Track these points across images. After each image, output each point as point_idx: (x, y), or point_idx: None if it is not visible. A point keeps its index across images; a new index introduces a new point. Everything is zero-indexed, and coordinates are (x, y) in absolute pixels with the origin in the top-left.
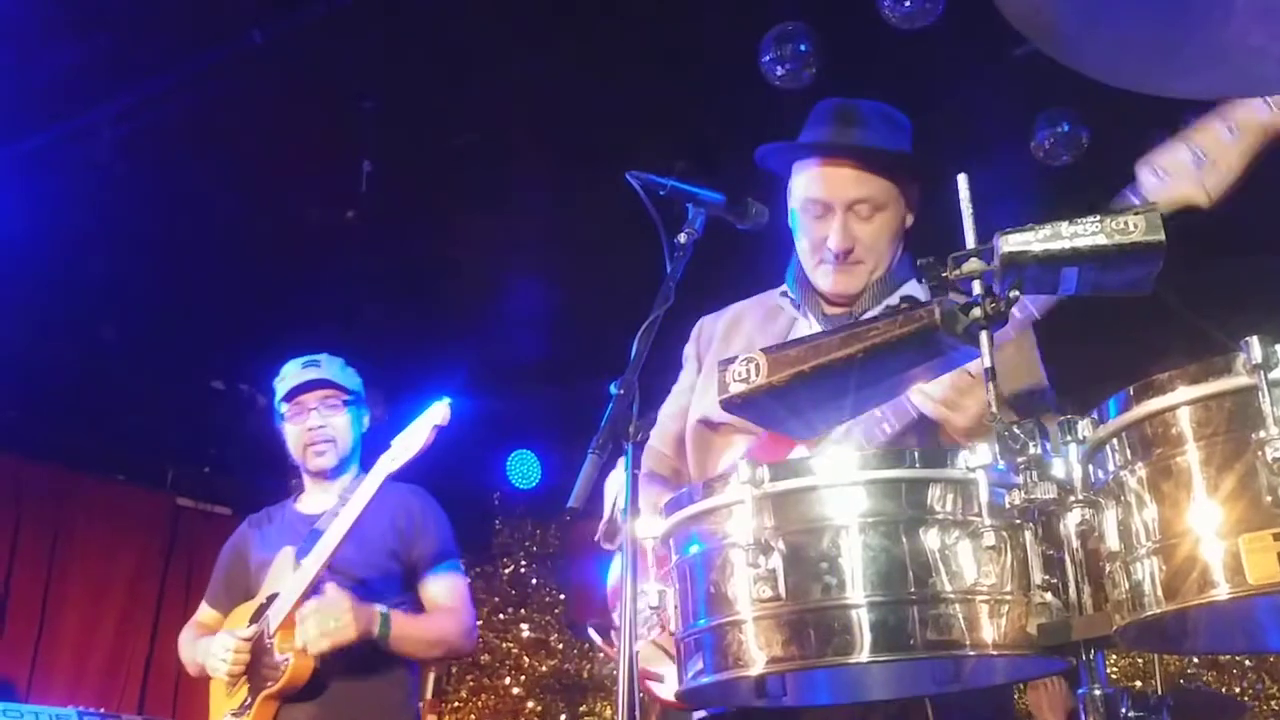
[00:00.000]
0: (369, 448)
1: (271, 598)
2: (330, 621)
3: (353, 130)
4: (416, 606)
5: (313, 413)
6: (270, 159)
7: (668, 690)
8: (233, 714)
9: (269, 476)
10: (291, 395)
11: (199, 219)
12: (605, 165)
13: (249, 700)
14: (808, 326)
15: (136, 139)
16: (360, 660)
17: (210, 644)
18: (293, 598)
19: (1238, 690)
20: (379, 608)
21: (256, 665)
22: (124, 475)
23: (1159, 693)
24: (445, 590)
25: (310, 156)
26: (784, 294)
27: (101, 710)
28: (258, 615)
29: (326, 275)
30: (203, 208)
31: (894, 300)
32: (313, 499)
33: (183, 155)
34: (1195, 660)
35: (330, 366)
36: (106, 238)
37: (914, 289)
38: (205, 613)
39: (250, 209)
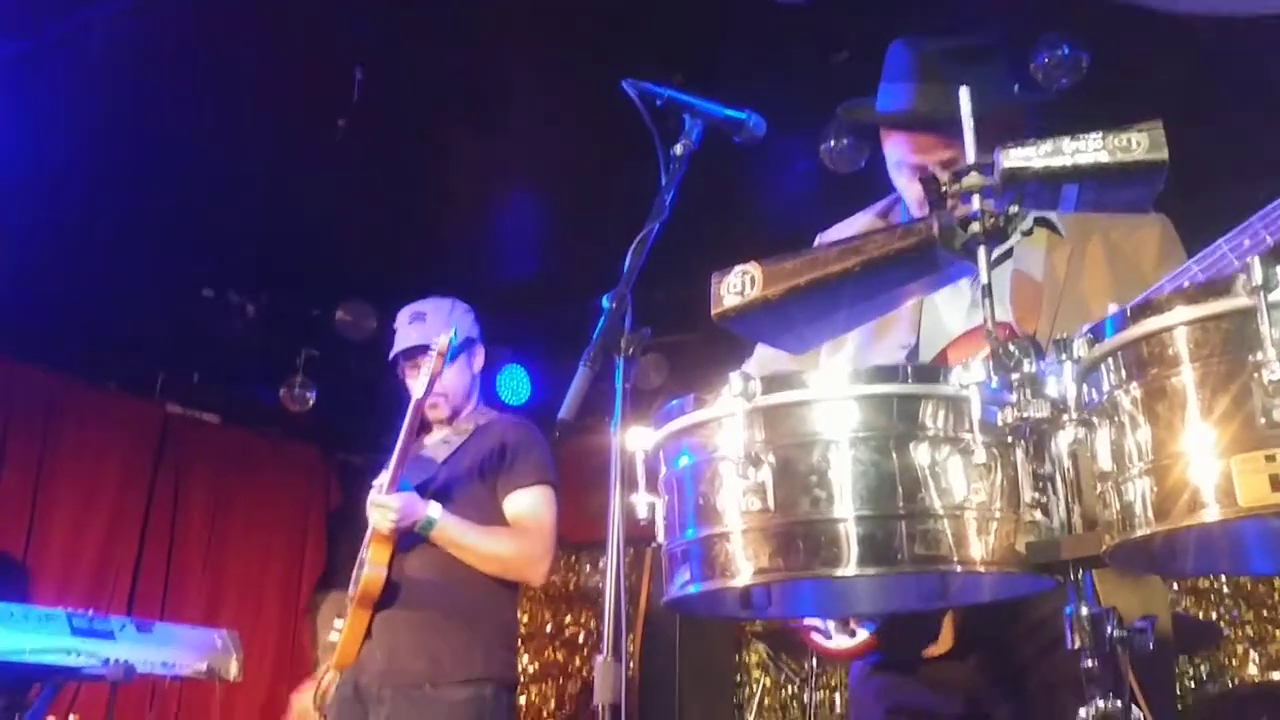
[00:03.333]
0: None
1: None
2: (376, 509)
3: (345, 39)
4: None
5: (421, 370)
6: (262, 64)
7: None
8: (340, 619)
9: (257, 385)
10: (402, 357)
11: (189, 124)
12: (600, 75)
13: (348, 607)
14: None
15: (126, 43)
16: (447, 575)
17: None
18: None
19: (1214, 616)
20: (432, 508)
21: (355, 576)
22: (113, 382)
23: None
24: (523, 510)
25: (302, 62)
26: (899, 208)
27: (90, 611)
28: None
29: (317, 184)
30: (193, 113)
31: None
32: (435, 433)
33: (174, 60)
34: (1175, 586)
35: (435, 319)
36: (96, 144)
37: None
38: None
39: (241, 116)
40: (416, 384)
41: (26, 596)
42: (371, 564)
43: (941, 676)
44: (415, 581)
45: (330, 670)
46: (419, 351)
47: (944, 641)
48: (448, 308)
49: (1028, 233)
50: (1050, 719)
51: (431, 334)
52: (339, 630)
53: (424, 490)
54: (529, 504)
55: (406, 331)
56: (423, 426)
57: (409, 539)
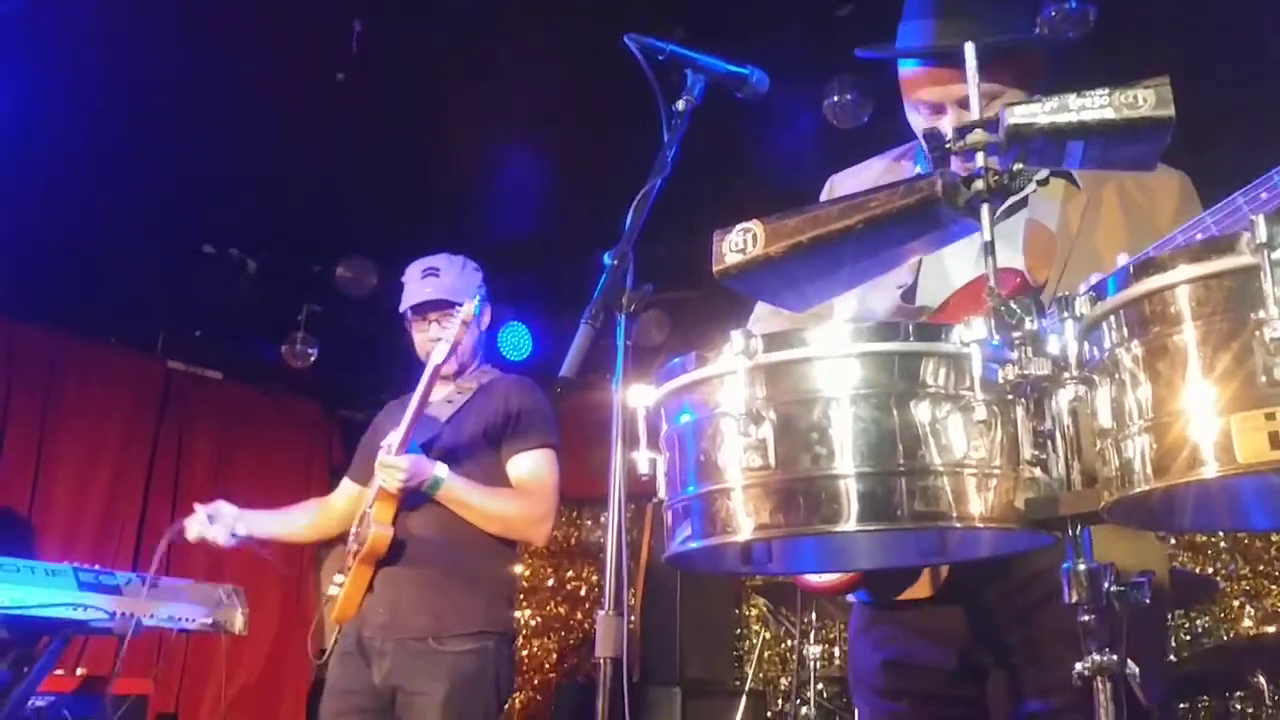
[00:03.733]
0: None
1: None
2: (385, 469)
3: None
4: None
5: (432, 325)
6: (261, 17)
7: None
8: (340, 574)
9: (259, 341)
10: (414, 310)
11: (188, 80)
12: (602, 29)
13: (350, 563)
14: None
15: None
16: (451, 533)
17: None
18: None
19: (1211, 570)
20: (439, 468)
21: (359, 532)
22: (115, 339)
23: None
24: (526, 473)
25: (301, 16)
26: (914, 158)
27: (96, 566)
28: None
29: (317, 138)
30: (192, 68)
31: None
32: (437, 390)
33: (172, 16)
34: (1173, 541)
35: (448, 275)
36: (96, 100)
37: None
38: (343, 484)
39: (240, 70)
40: (437, 348)
41: (32, 552)
42: (378, 522)
43: (936, 629)
44: (418, 539)
45: (331, 623)
46: (431, 307)
47: (922, 586)
48: (460, 265)
49: (1044, 183)
50: (1041, 673)
51: (444, 290)
52: (339, 585)
53: (429, 449)
54: (532, 467)
55: (419, 286)
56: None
57: (413, 497)
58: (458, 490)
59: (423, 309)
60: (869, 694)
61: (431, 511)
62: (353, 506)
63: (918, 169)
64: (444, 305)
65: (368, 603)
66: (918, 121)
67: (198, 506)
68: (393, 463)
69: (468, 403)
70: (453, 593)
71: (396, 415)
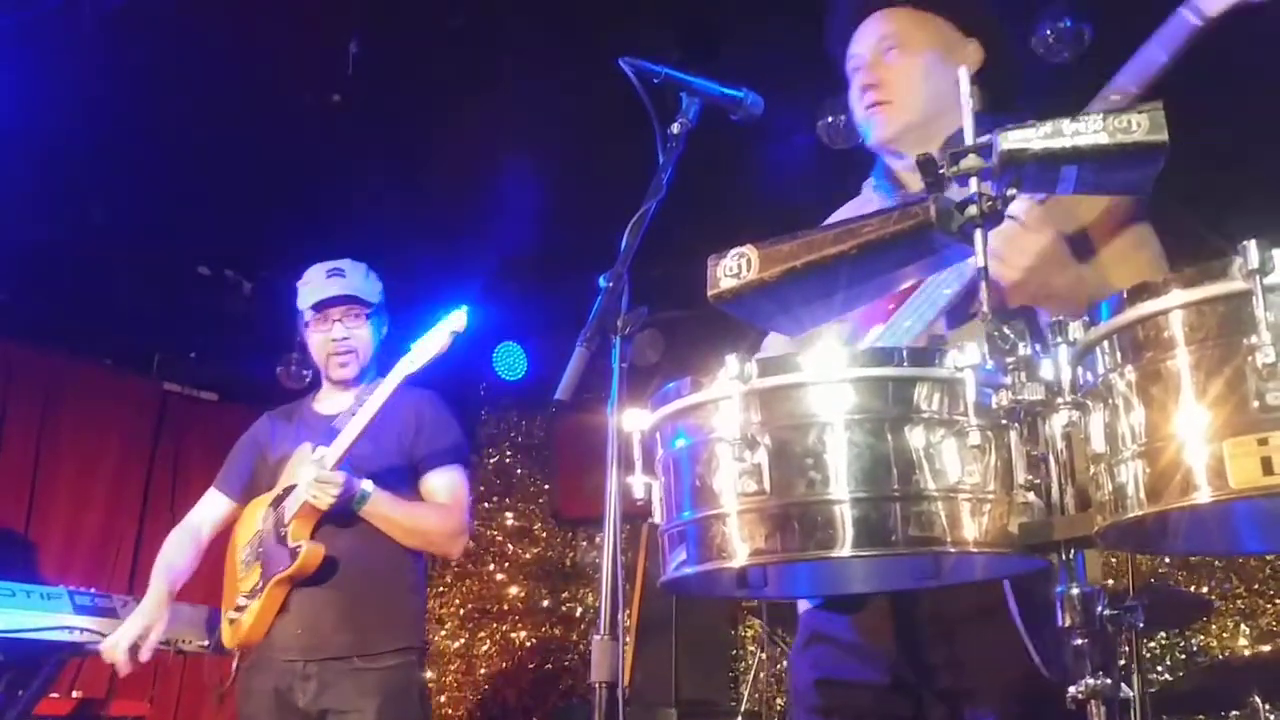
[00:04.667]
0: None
1: (289, 489)
2: (320, 485)
3: (340, 10)
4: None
5: (336, 325)
6: (257, 41)
7: None
8: (245, 596)
9: (254, 362)
10: (318, 307)
11: (185, 101)
12: (598, 52)
13: (260, 584)
14: None
15: (121, 17)
16: (369, 549)
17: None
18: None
19: (1206, 589)
20: (365, 483)
21: (270, 552)
22: (111, 361)
23: (1130, 591)
24: (441, 487)
25: (297, 37)
26: (869, 184)
27: (93, 590)
28: (275, 505)
29: (312, 160)
30: (189, 90)
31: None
32: (331, 400)
33: (169, 35)
34: (1167, 560)
35: (354, 277)
36: (93, 122)
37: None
38: (216, 500)
39: (236, 92)
40: (415, 354)
41: (28, 574)
42: (307, 540)
43: (867, 645)
44: (336, 554)
45: (232, 647)
46: (339, 301)
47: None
48: (364, 269)
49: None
50: (976, 687)
51: (352, 288)
52: (242, 608)
53: (349, 464)
54: (447, 481)
55: (324, 284)
56: (313, 386)
57: (333, 514)
58: (383, 505)
59: (328, 304)
60: (803, 713)
61: (348, 527)
62: (226, 523)
63: (871, 180)
64: (351, 301)
65: (280, 625)
66: (855, 92)
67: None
68: (329, 478)
69: (378, 416)
70: (374, 609)
71: (291, 429)
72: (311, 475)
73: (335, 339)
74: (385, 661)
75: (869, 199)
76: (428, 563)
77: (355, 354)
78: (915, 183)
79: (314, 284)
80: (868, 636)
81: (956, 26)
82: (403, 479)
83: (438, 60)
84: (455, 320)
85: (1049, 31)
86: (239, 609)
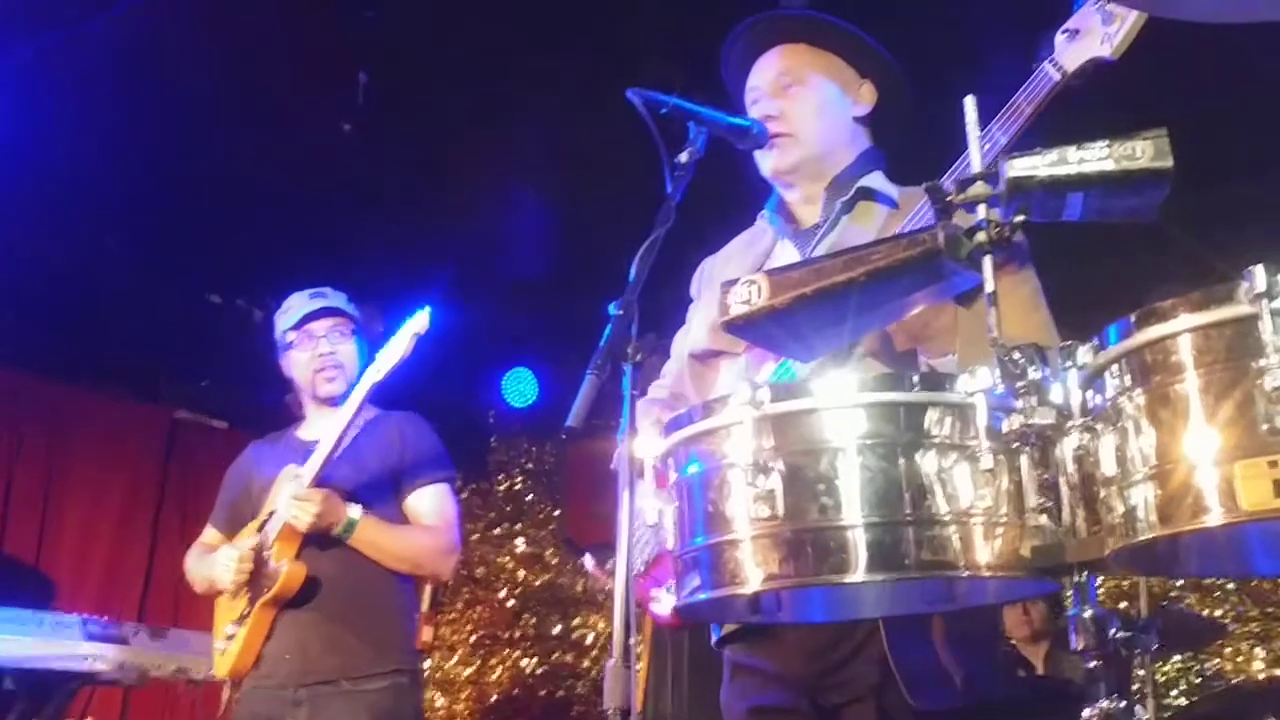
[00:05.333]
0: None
1: (272, 514)
2: (298, 504)
3: (350, 41)
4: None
5: (322, 340)
6: (267, 70)
7: (665, 608)
8: (233, 624)
9: (265, 391)
10: (301, 323)
11: (196, 130)
12: (607, 81)
13: (247, 610)
14: (783, 247)
15: (133, 48)
16: (355, 571)
17: (215, 558)
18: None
19: (1219, 613)
20: (352, 509)
21: (256, 577)
22: (121, 389)
23: (1143, 614)
24: (426, 505)
25: (307, 68)
26: (763, 216)
27: (104, 617)
28: (260, 530)
29: (323, 188)
30: (200, 119)
31: (848, 193)
32: (314, 425)
33: (180, 65)
34: (1180, 584)
35: (336, 298)
36: (103, 151)
37: (876, 180)
38: (209, 534)
39: (247, 121)
40: (373, 367)
41: (39, 602)
42: (289, 560)
43: (784, 671)
44: (322, 578)
45: (223, 676)
46: (323, 314)
47: None
48: (344, 296)
49: (848, 207)
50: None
51: (336, 304)
52: (230, 636)
53: (324, 483)
54: (434, 501)
55: (309, 302)
56: (287, 419)
57: (318, 535)
58: (371, 531)
59: (313, 317)
60: None
61: (335, 549)
62: None
63: (765, 212)
64: (336, 314)
65: (269, 651)
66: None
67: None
68: (307, 496)
69: (358, 438)
70: (362, 631)
71: (273, 455)
72: (289, 493)
73: (321, 354)
74: (374, 684)
75: (763, 229)
76: (418, 583)
77: (342, 369)
78: (809, 216)
79: (295, 305)
80: (781, 664)
81: (852, 66)
82: (387, 499)
83: (447, 90)
84: (417, 322)
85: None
86: (228, 637)
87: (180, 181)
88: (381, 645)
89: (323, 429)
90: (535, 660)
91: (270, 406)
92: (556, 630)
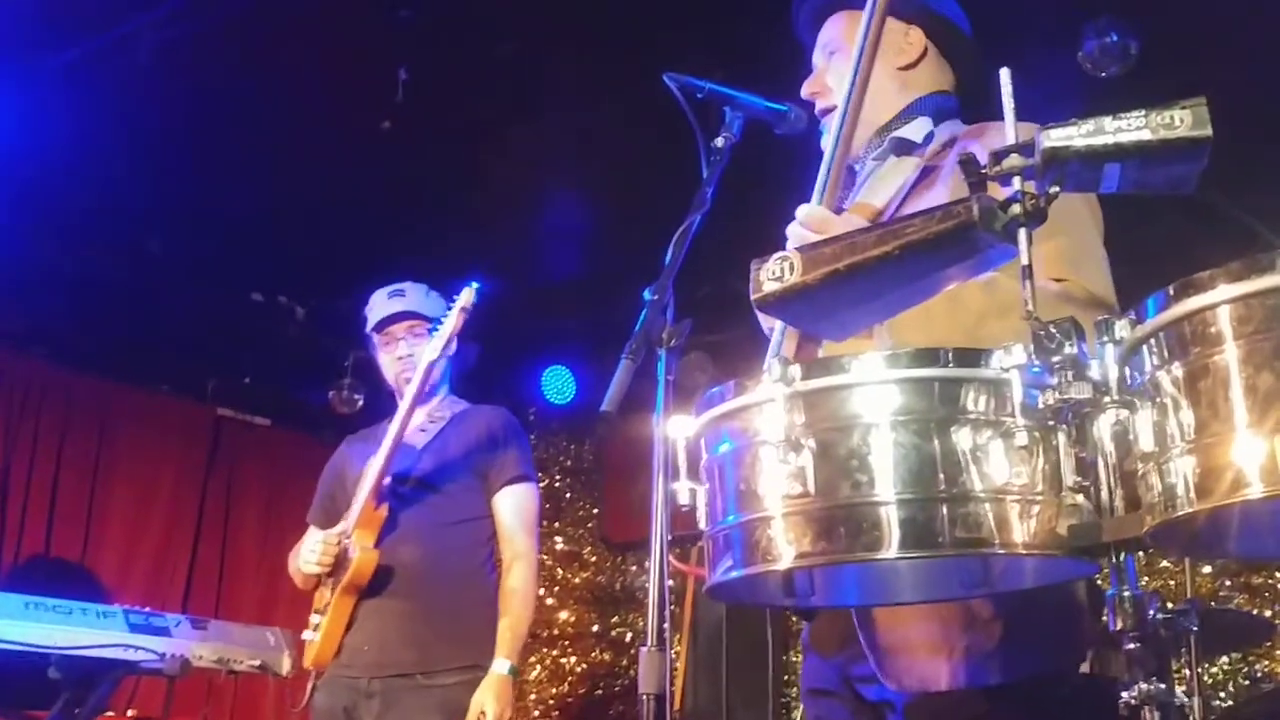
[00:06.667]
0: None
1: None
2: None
3: (389, 39)
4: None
5: (400, 342)
6: (309, 66)
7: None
8: (317, 613)
9: (307, 388)
10: (380, 326)
11: (237, 130)
12: (640, 75)
13: (329, 599)
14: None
15: (175, 50)
16: (438, 562)
17: (301, 544)
18: (363, 497)
19: (1270, 613)
20: (500, 667)
21: (339, 565)
22: (166, 386)
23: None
24: (513, 507)
25: (348, 64)
26: None
27: (147, 609)
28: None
29: (363, 186)
30: (241, 119)
31: (880, 147)
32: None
33: (221, 66)
34: (1227, 583)
35: (414, 295)
36: (147, 151)
37: (913, 130)
38: (309, 531)
39: (288, 119)
40: (427, 346)
41: (85, 595)
42: (365, 548)
43: (828, 661)
44: (404, 568)
45: (308, 667)
46: (401, 318)
47: None
48: (425, 289)
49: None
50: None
51: (412, 305)
52: (315, 626)
53: (406, 477)
54: (517, 503)
55: (386, 305)
56: (383, 412)
57: (396, 523)
58: (512, 646)
59: (391, 321)
60: None
61: (417, 539)
62: None
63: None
64: (413, 317)
65: (349, 641)
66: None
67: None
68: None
69: (444, 430)
70: (440, 625)
71: (364, 449)
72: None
73: (400, 356)
74: (448, 679)
75: None
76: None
77: (427, 374)
78: None
79: (376, 306)
80: (824, 648)
81: (897, 17)
82: (469, 491)
83: (483, 85)
84: (465, 298)
85: (1095, 47)
86: (314, 627)
87: (222, 180)
88: (459, 639)
89: (411, 421)
90: (574, 659)
91: (313, 403)
92: (595, 628)
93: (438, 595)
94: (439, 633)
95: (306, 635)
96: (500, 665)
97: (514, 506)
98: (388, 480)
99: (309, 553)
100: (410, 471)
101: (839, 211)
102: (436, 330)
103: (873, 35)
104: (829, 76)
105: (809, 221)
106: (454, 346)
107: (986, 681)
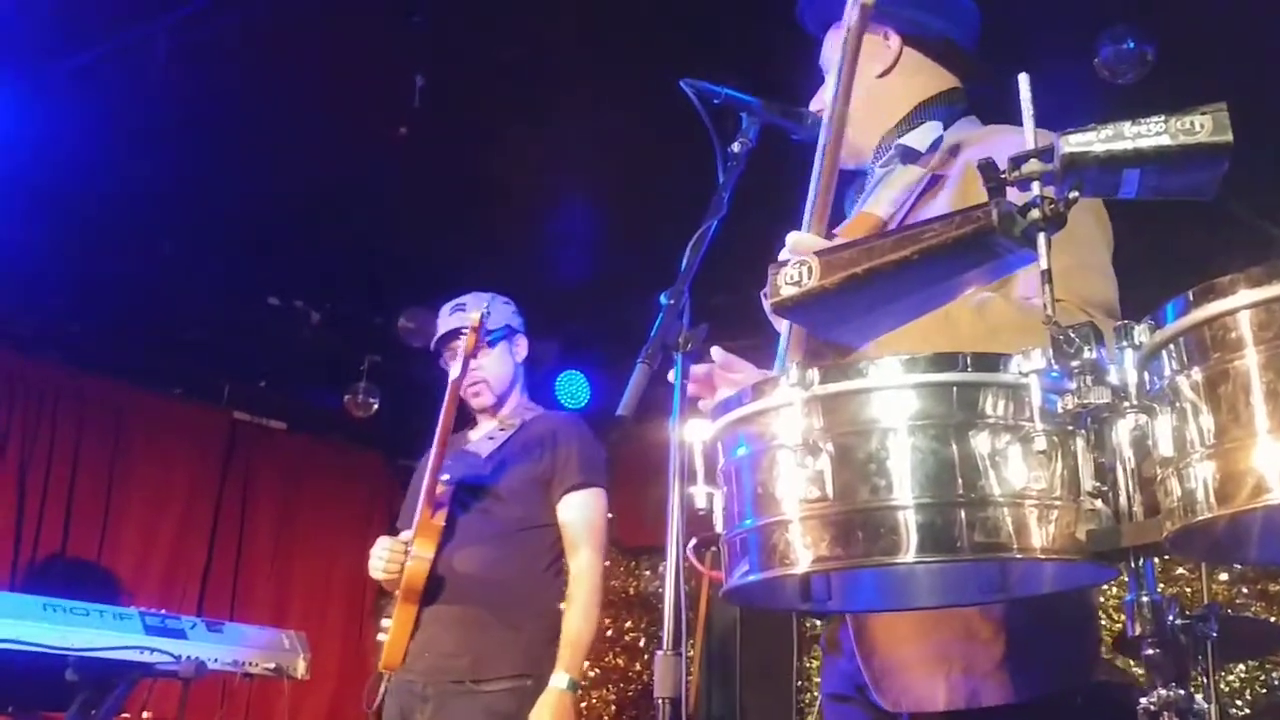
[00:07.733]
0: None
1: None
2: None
3: (404, 45)
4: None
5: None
6: (326, 72)
7: None
8: (387, 617)
9: (322, 392)
10: (440, 344)
11: (253, 135)
12: (658, 76)
13: (397, 604)
14: None
15: (190, 55)
16: (498, 569)
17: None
18: (420, 505)
19: None
20: (559, 681)
21: (401, 572)
22: (181, 390)
23: (1204, 600)
24: (576, 514)
25: (365, 70)
26: None
27: (163, 612)
28: None
29: (379, 191)
30: (257, 124)
31: (885, 157)
32: (480, 428)
33: (237, 71)
34: (1244, 590)
35: (474, 308)
36: (162, 155)
37: (916, 137)
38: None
39: (303, 124)
40: (453, 366)
41: (100, 597)
42: (417, 556)
43: (842, 664)
44: (461, 576)
45: (381, 669)
46: (457, 335)
47: None
48: (487, 298)
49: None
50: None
51: (467, 320)
52: (386, 630)
53: (470, 484)
54: (580, 508)
55: (447, 320)
56: (467, 420)
57: (455, 531)
58: (573, 663)
59: (447, 338)
60: None
61: (476, 547)
62: None
63: None
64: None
65: (413, 647)
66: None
67: None
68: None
69: (511, 438)
70: (494, 632)
71: (443, 459)
72: None
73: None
74: (496, 685)
75: None
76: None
77: (486, 383)
78: None
79: (440, 322)
80: (837, 653)
81: (879, 25)
82: (533, 500)
83: (499, 90)
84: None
85: (1111, 54)
86: (385, 631)
87: (238, 185)
88: (512, 647)
89: (483, 430)
90: (587, 664)
91: (328, 408)
92: (609, 633)
93: (493, 603)
94: (492, 640)
95: (380, 638)
96: (559, 679)
97: (577, 514)
98: (441, 489)
99: (376, 559)
100: (473, 480)
101: (843, 219)
102: (497, 341)
103: (851, 48)
104: (828, 93)
105: (798, 250)
106: (500, 361)
107: (987, 702)
